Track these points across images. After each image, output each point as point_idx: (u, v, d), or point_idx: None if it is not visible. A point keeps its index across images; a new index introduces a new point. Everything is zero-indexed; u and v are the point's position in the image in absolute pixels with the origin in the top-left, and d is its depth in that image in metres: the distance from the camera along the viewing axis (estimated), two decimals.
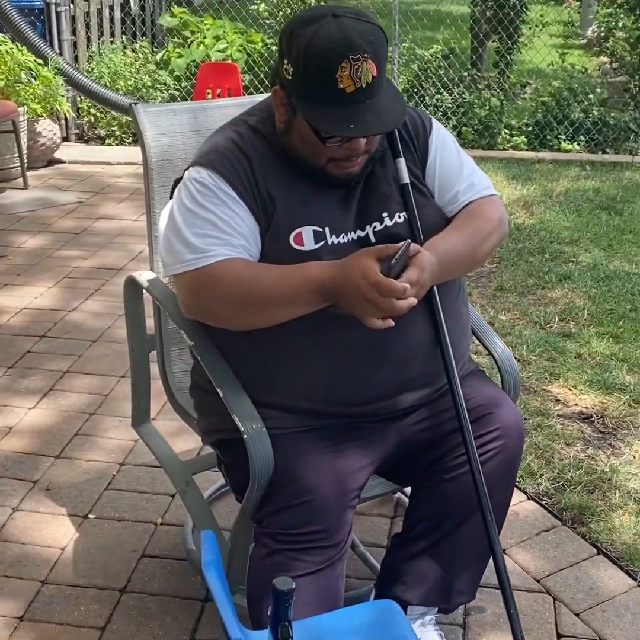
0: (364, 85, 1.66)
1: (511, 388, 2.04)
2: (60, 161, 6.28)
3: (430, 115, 1.99)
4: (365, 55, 1.64)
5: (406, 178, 1.87)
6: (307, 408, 1.82)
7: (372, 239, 1.82)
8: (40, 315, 3.78)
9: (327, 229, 1.78)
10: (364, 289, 1.63)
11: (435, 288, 1.83)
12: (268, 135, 1.82)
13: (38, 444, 2.83)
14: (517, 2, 7.37)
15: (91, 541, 2.40)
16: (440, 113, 6.89)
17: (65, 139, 6.74)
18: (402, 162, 1.87)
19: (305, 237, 1.77)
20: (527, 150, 6.67)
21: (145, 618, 2.14)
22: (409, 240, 1.69)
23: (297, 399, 1.81)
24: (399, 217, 1.85)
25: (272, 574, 1.66)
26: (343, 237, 1.80)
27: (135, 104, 2.04)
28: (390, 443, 1.88)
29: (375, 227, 1.83)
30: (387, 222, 1.84)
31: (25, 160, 5.75)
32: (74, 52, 7.05)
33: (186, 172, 1.82)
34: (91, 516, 2.49)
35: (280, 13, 7.71)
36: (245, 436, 1.75)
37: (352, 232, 1.81)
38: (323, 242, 1.78)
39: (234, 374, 1.84)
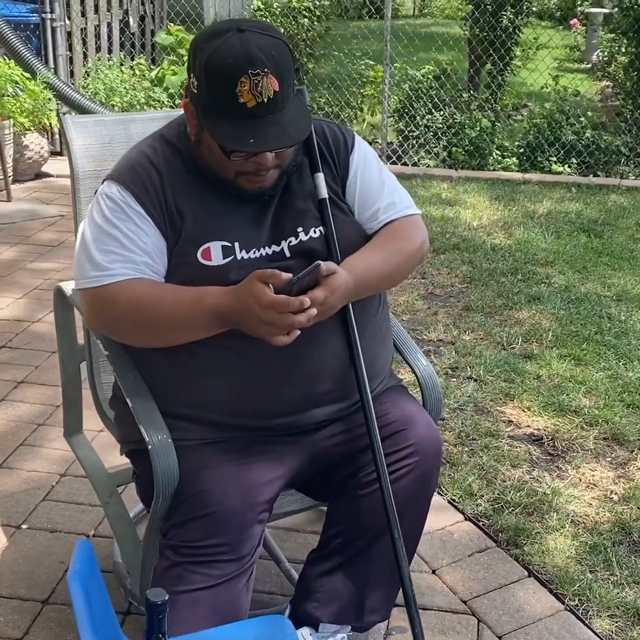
0: (265, 100, 1.66)
1: (432, 405, 2.03)
2: (48, 175, 6.31)
3: (354, 132, 1.98)
4: (266, 70, 1.64)
5: (324, 193, 1.87)
6: (215, 420, 1.81)
7: (287, 254, 1.81)
8: (3, 325, 3.79)
9: (236, 244, 1.78)
10: (259, 312, 1.63)
11: (350, 304, 1.83)
12: (182, 150, 1.82)
13: None
14: (509, 24, 7.40)
15: (20, 551, 2.39)
16: (431, 133, 6.91)
17: (57, 153, 6.77)
18: (320, 177, 1.87)
19: (214, 252, 1.76)
20: (516, 171, 6.67)
21: (64, 630, 2.12)
22: (319, 262, 1.68)
23: (205, 410, 1.81)
24: (314, 231, 1.84)
25: (171, 587, 1.67)
26: (254, 252, 1.79)
27: (64, 114, 2.04)
28: (303, 457, 1.87)
29: (290, 242, 1.82)
30: (302, 236, 1.83)
31: (11, 173, 5.79)
32: (70, 67, 7.11)
33: (100, 187, 1.83)
34: (24, 526, 2.48)
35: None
36: (149, 446, 1.74)
37: (266, 248, 1.81)
38: (232, 257, 1.77)
39: (144, 384, 1.84)
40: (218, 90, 1.66)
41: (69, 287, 2.12)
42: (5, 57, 6.10)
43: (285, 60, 1.70)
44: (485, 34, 7.49)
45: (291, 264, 1.79)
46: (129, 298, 1.72)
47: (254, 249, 1.80)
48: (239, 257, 1.78)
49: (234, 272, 1.75)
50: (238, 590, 1.76)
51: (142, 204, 1.76)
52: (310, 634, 1.92)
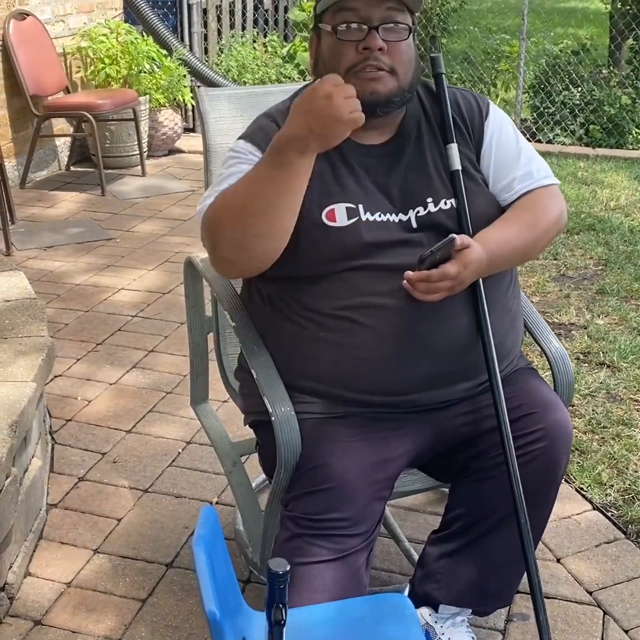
0: None
1: (563, 389, 1.95)
2: (180, 151, 6.45)
3: (489, 100, 1.92)
4: None
5: (457, 165, 1.82)
6: (340, 394, 1.79)
7: (414, 225, 1.78)
8: (136, 296, 3.90)
9: (360, 206, 1.76)
10: (323, 90, 1.57)
11: (480, 280, 1.78)
12: None
13: (113, 418, 2.92)
14: None
15: (147, 515, 2.45)
16: (568, 110, 6.68)
17: (190, 129, 6.91)
18: (453, 147, 1.83)
19: (338, 213, 1.75)
20: None
21: (186, 594, 2.17)
22: (453, 235, 1.66)
23: (330, 384, 1.79)
24: (445, 203, 1.80)
25: (291, 558, 1.66)
26: (380, 216, 1.77)
27: (199, 87, 2.07)
28: (427, 436, 1.83)
29: (418, 212, 1.79)
30: (431, 208, 1.79)
31: (146, 149, 5.94)
32: (204, 44, 7.22)
33: (233, 144, 1.85)
34: (151, 491, 2.55)
35: None
36: (273, 418, 1.75)
37: (393, 214, 1.78)
38: (357, 218, 1.76)
39: (270, 356, 1.84)
40: None
41: (198, 259, 2.15)
42: (144, 34, 6.25)
43: None
44: (628, 7, 7.17)
45: (419, 237, 1.76)
46: (222, 197, 1.72)
47: (380, 213, 1.77)
48: (363, 219, 1.76)
49: (359, 233, 1.74)
50: (358, 565, 1.74)
51: (262, 150, 1.75)
52: (430, 614, 1.90)
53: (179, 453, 2.73)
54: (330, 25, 1.76)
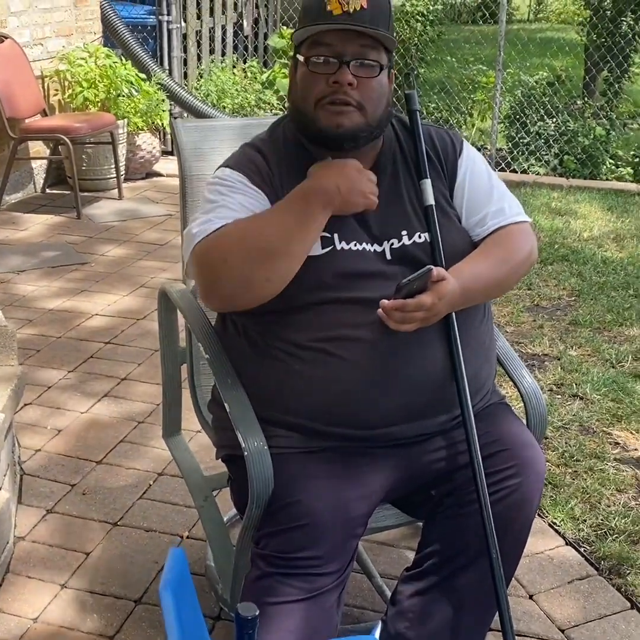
0: (351, 10, 1.69)
1: (536, 424, 1.95)
2: (158, 174, 6.43)
3: (462, 138, 1.94)
4: None
5: (431, 200, 1.83)
6: (314, 428, 1.78)
7: (388, 256, 1.79)
8: (110, 321, 3.86)
9: (335, 235, 1.77)
10: (355, 164, 1.75)
11: (453, 314, 1.78)
12: (287, 143, 1.86)
13: (83, 448, 2.88)
14: (628, 30, 7.17)
15: (116, 549, 2.41)
16: (542, 140, 6.74)
17: (168, 152, 6.89)
18: (427, 183, 1.84)
19: None
20: (631, 181, 6.45)
21: (155, 631, 2.13)
22: (431, 267, 1.66)
23: (305, 418, 1.78)
24: (419, 237, 1.81)
25: (261, 597, 1.66)
26: (356, 245, 1.78)
27: (176, 117, 2.06)
28: (401, 471, 1.82)
29: (392, 244, 1.80)
30: (405, 240, 1.80)
31: (123, 172, 5.92)
32: (184, 69, 7.23)
33: (214, 173, 1.87)
34: (120, 524, 2.51)
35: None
36: (245, 453, 1.73)
37: (368, 244, 1.79)
38: (331, 247, 1.76)
39: (243, 390, 1.83)
40: (308, 2, 1.74)
41: (173, 288, 2.13)
42: (122, 58, 6.25)
43: None
44: (603, 40, 7.28)
45: (394, 269, 1.77)
46: (231, 231, 1.72)
47: (355, 242, 1.78)
48: (338, 248, 1.76)
49: (334, 262, 1.74)
50: (329, 604, 1.72)
51: (254, 182, 1.79)
52: None
53: (150, 485, 2.70)
54: (304, 56, 1.78)
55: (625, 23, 7.21)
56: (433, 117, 7.17)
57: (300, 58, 1.79)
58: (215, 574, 2.22)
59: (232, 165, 1.85)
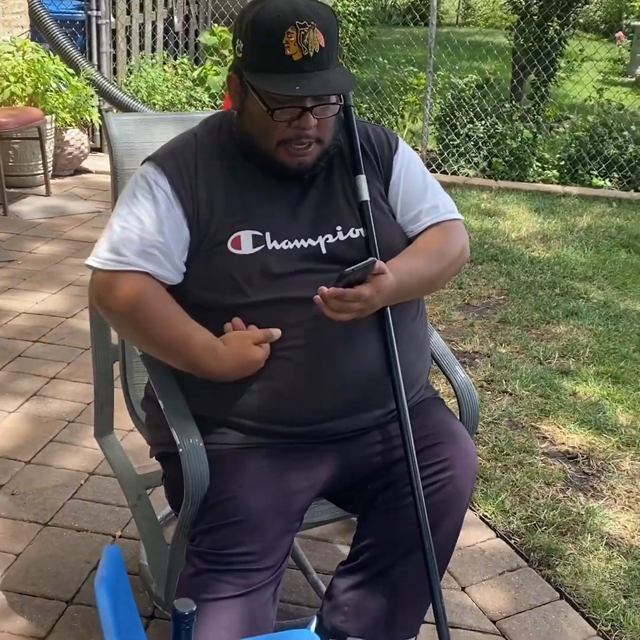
0: (311, 54, 1.67)
1: (468, 418, 1.99)
2: (87, 171, 6.34)
3: (398, 136, 1.96)
4: (312, 23, 1.66)
5: (366, 195, 1.85)
6: (249, 425, 1.78)
7: (323, 250, 1.79)
8: (38, 320, 3.79)
9: (268, 234, 1.77)
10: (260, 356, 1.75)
11: (388, 308, 1.80)
12: (222, 137, 1.84)
13: (11, 448, 2.82)
14: (555, 35, 7.32)
15: (47, 549, 2.37)
16: (472, 143, 6.85)
17: (97, 149, 6.80)
18: (362, 179, 1.85)
19: (244, 241, 1.75)
20: (557, 184, 6.59)
21: (87, 631, 2.10)
22: (374, 259, 1.68)
23: (239, 415, 1.78)
24: (354, 232, 1.82)
25: (196, 594, 1.64)
26: (287, 244, 1.78)
27: (107, 111, 2.04)
28: (337, 466, 1.83)
29: (327, 238, 1.81)
30: (340, 236, 1.81)
31: (51, 168, 5.82)
32: (113, 64, 7.14)
33: (139, 167, 1.84)
34: (51, 524, 2.47)
35: None
36: (180, 450, 1.72)
37: (301, 240, 1.79)
38: (262, 246, 1.76)
39: (177, 387, 1.81)
40: (265, 42, 1.67)
41: None
42: (50, 53, 6.14)
43: (331, 21, 1.72)
44: (530, 44, 7.42)
45: (327, 267, 1.77)
46: (129, 299, 1.73)
47: (287, 240, 1.78)
48: (269, 248, 1.76)
49: (265, 262, 1.74)
50: (265, 599, 1.72)
51: (174, 186, 1.76)
52: None
53: (82, 485, 2.66)
54: (264, 102, 1.71)
55: (551, 28, 7.36)
56: (365, 117, 7.21)
57: (260, 101, 1.71)
58: (149, 573, 2.20)
59: (158, 162, 1.81)
